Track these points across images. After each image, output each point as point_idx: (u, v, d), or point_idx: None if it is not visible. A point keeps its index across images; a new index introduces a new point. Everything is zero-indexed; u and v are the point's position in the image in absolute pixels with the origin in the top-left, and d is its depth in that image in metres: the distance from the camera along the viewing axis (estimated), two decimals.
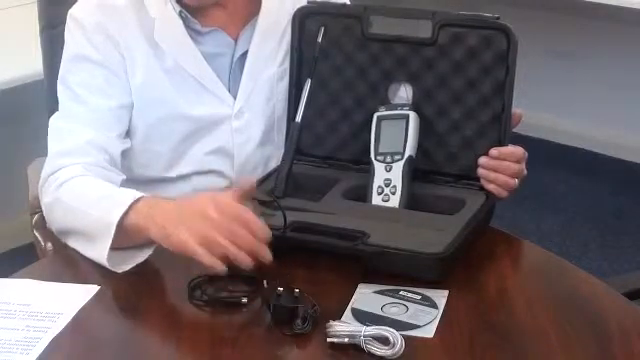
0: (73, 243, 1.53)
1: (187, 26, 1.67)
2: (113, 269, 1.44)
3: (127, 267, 1.44)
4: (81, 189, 1.56)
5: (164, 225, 1.40)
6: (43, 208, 1.60)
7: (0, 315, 1.34)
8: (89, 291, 1.40)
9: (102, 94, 1.65)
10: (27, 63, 2.42)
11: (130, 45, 1.65)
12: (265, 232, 1.37)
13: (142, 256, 1.45)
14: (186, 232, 1.37)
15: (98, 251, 1.45)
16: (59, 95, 1.68)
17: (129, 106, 1.67)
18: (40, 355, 1.26)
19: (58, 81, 1.69)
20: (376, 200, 1.59)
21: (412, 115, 1.60)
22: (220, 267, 1.35)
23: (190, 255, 1.36)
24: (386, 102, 1.65)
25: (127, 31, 1.65)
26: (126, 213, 1.44)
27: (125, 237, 1.44)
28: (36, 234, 1.77)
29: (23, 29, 2.36)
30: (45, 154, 1.99)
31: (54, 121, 1.67)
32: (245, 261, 1.34)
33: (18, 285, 1.42)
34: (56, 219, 1.57)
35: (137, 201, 1.46)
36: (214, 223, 1.36)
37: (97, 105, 1.65)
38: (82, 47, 1.66)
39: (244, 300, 1.36)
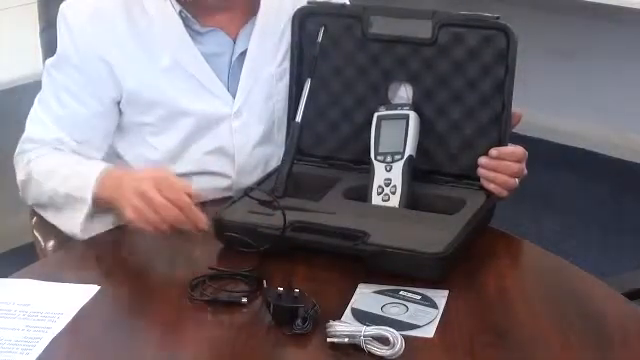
0: (47, 216, 1.68)
1: (186, 26, 1.67)
2: (85, 237, 1.60)
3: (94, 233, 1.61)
4: (48, 166, 1.67)
5: (116, 200, 1.54)
6: (18, 184, 1.72)
7: (0, 315, 1.34)
8: (89, 291, 1.40)
9: (77, 100, 1.68)
10: (27, 63, 2.41)
11: (118, 51, 1.65)
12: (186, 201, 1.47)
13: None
14: (129, 209, 1.50)
15: (69, 224, 1.62)
16: (43, 80, 1.73)
17: (106, 113, 1.69)
18: (40, 355, 1.26)
19: (45, 66, 1.73)
20: (376, 200, 1.59)
21: (412, 115, 1.60)
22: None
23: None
24: (386, 102, 1.65)
25: (115, 36, 1.65)
26: (94, 190, 1.59)
27: (96, 207, 1.60)
28: (36, 234, 1.77)
29: (23, 29, 2.36)
30: None
31: (36, 103, 1.74)
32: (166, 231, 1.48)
33: (18, 285, 1.42)
34: (30, 195, 1.70)
35: (102, 175, 1.59)
36: (150, 202, 1.48)
37: (72, 109, 1.69)
38: (66, 48, 1.68)
39: (244, 300, 1.36)
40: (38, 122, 1.72)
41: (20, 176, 1.71)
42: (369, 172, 1.61)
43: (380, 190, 1.59)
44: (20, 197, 1.73)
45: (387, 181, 1.59)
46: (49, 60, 1.72)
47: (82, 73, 1.67)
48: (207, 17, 1.68)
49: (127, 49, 1.66)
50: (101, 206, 1.60)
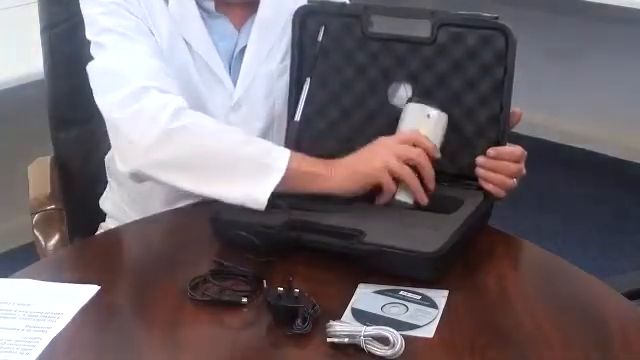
0: (192, 179, 1.51)
1: (199, 7, 1.67)
2: (260, 207, 1.49)
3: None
4: (214, 123, 1.56)
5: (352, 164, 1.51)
6: (149, 133, 1.50)
7: (0, 315, 1.34)
8: (89, 291, 1.40)
9: (149, 36, 1.62)
10: (27, 63, 2.42)
11: (151, 6, 1.64)
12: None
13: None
14: (383, 160, 1.49)
15: (250, 191, 1.48)
16: (103, 41, 1.61)
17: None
18: (40, 355, 1.26)
19: (94, 34, 1.63)
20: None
21: (436, 114, 1.59)
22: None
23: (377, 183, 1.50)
24: (385, 102, 1.65)
25: None
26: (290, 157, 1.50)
27: (285, 183, 1.49)
28: (36, 234, 1.77)
29: (23, 29, 2.37)
30: (45, 154, 2.00)
31: (104, 59, 1.60)
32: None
33: (18, 285, 1.42)
34: (184, 147, 1.51)
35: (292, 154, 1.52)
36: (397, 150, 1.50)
37: (151, 43, 1.62)
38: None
39: (244, 300, 1.36)
40: (132, 61, 1.57)
41: (165, 123, 1.49)
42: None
43: None
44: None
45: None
46: (92, 28, 1.63)
47: (136, 15, 1.63)
48: (216, 2, 1.68)
49: (158, 11, 1.64)
50: (291, 181, 1.50)
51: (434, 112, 1.57)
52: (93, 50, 1.65)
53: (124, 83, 1.55)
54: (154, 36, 1.64)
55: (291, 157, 1.51)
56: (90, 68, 1.64)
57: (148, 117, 1.51)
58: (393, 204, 1.56)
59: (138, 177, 1.57)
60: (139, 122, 1.52)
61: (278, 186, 1.49)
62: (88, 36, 1.66)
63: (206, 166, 1.51)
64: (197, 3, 1.67)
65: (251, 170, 1.50)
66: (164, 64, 1.61)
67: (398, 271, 1.41)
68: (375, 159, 1.50)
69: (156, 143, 1.50)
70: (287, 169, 1.50)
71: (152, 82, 1.55)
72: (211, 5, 1.68)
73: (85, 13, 1.67)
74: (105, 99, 1.58)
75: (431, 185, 1.52)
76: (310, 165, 1.52)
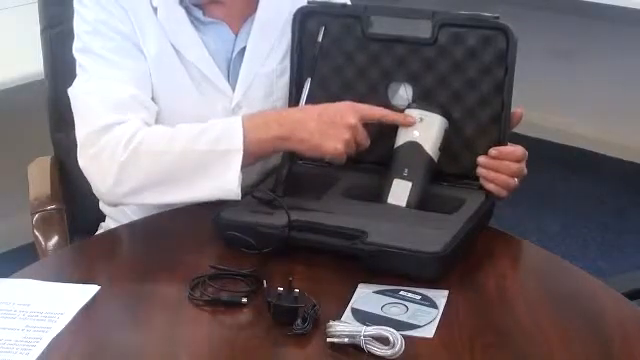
0: (165, 192, 1.56)
1: (190, 14, 1.67)
2: (238, 197, 1.53)
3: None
4: (162, 134, 1.57)
5: (310, 136, 1.53)
6: (111, 170, 1.55)
7: (0, 315, 1.34)
8: (89, 291, 1.39)
9: (131, 57, 1.64)
10: (27, 63, 2.42)
11: (139, 17, 1.64)
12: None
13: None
14: (337, 143, 1.53)
15: (218, 184, 1.53)
16: (83, 63, 1.65)
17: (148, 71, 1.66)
18: (40, 355, 1.26)
19: (78, 51, 1.66)
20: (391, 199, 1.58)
21: (438, 119, 1.60)
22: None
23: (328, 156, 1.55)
24: (386, 102, 1.65)
25: (136, 3, 1.64)
26: (244, 133, 1.53)
27: (248, 158, 1.54)
28: (36, 234, 1.77)
29: (23, 29, 2.36)
30: (45, 154, 2.00)
31: (82, 85, 1.64)
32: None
33: (18, 285, 1.42)
34: (136, 174, 1.55)
35: (243, 122, 1.55)
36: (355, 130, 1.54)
37: (130, 66, 1.63)
38: (99, 13, 1.64)
39: (244, 300, 1.36)
40: (103, 91, 1.60)
41: (119, 157, 1.54)
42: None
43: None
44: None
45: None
46: (79, 43, 1.66)
47: (123, 34, 1.64)
48: (208, 9, 1.68)
49: (146, 18, 1.65)
50: (253, 153, 1.55)
51: (428, 116, 1.58)
52: (77, 68, 1.67)
53: (89, 122, 1.60)
54: (141, 52, 1.64)
55: (245, 130, 1.54)
56: (71, 92, 1.67)
57: (105, 158, 1.56)
58: (386, 206, 1.56)
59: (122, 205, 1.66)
60: (97, 167, 1.58)
61: (245, 164, 1.53)
62: (73, 50, 1.68)
63: (170, 178, 1.55)
64: (187, 12, 1.67)
65: (213, 163, 1.54)
66: (140, 90, 1.62)
67: (401, 271, 1.41)
68: (329, 141, 1.53)
69: (116, 180, 1.56)
70: (245, 143, 1.53)
71: (116, 116, 1.58)
72: (200, 13, 1.68)
73: (74, 24, 1.68)
74: (75, 134, 1.63)
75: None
76: (266, 131, 1.55)
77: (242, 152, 1.53)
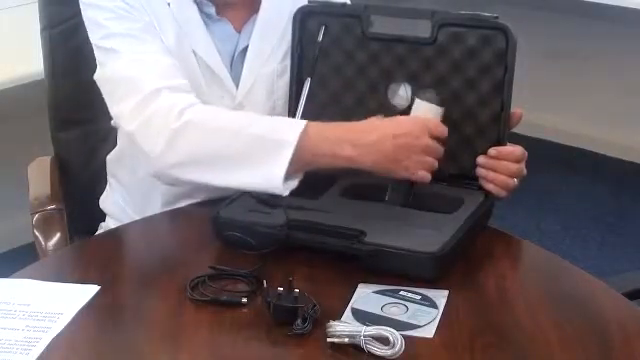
0: (210, 171, 1.51)
1: (200, 11, 1.67)
2: (282, 192, 1.47)
3: (293, 184, 1.48)
4: (218, 111, 1.56)
5: (386, 161, 1.48)
6: (161, 137, 1.51)
7: (0, 315, 1.34)
8: (89, 291, 1.40)
9: (158, 37, 1.62)
10: (27, 63, 2.42)
11: (155, 10, 1.64)
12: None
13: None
14: (419, 168, 1.49)
15: (262, 173, 1.47)
16: (113, 46, 1.60)
17: None
18: (40, 355, 1.26)
19: (102, 39, 1.62)
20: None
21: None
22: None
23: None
24: (386, 102, 1.65)
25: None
26: (304, 133, 1.47)
27: (299, 158, 1.47)
28: (36, 234, 1.77)
29: (23, 29, 2.36)
30: (45, 154, 2.00)
31: (115, 65, 1.60)
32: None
33: (18, 285, 1.42)
34: (191, 144, 1.51)
35: (308, 126, 1.49)
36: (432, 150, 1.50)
37: (161, 44, 1.62)
38: (117, 2, 1.61)
39: (244, 300, 1.36)
40: (140, 64, 1.57)
41: (171, 123, 1.50)
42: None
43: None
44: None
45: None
46: (98, 33, 1.62)
47: (143, 18, 1.62)
48: (218, 8, 1.69)
49: (160, 9, 1.64)
50: (306, 159, 1.48)
51: (419, 104, 1.56)
52: (101, 55, 1.64)
53: (135, 90, 1.56)
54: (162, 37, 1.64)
55: (305, 127, 1.48)
56: (102, 76, 1.64)
57: (157, 122, 1.52)
58: (385, 206, 1.56)
59: (163, 180, 1.59)
60: (149, 130, 1.53)
61: (295, 161, 1.47)
62: (94, 40, 1.65)
63: (218, 156, 1.51)
64: (198, 8, 1.67)
65: (262, 149, 1.48)
66: (175, 61, 1.61)
67: (399, 271, 1.41)
68: (399, 165, 1.49)
69: (167, 146, 1.51)
70: (301, 139, 1.47)
71: (163, 82, 1.56)
72: (212, 9, 1.68)
73: (88, 17, 1.66)
74: (118, 109, 1.60)
75: None
76: (336, 148, 1.48)
77: (295, 147, 1.46)
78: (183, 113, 1.51)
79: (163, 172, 1.55)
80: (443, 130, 1.52)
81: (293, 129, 1.48)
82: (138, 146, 1.55)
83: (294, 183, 1.49)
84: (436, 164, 1.51)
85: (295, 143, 1.47)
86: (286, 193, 1.48)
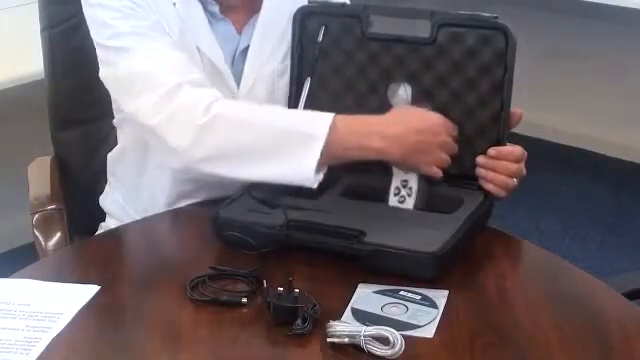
0: (239, 165, 1.51)
1: (205, 10, 1.67)
2: (313, 184, 1.49)
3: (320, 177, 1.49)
4: (245, 105, 1.58)
5: (409, 152, 1.52)
6: (188, 131, 1.51)
7: (0, 315, 1.34)
8: (89, 291, 1.40)
9: (167, 35, 1.62)
10: (27, 63, 2.42)
11: (161, 8, 1.63)
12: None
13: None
14: (435, 164, 1.54)
15: (294, 166, 1.48)
16: (123, 44, 1.59)
17: None
18: (40, 355, 1.26)
19: (110, 38, 1.61)
20: (392, 201, 1.58)
21: None
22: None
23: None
24: (385, 102, 1.65)
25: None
26: (333, 125, 1.49)
27: (328, 151, 1.48)
28: (36, 234, 1.77)
29: (23, 29, 2.36)
30: (45, 154, 2.00)
31: (126, 63, 1.58)
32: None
33: (18, 285, 1.42)
34: (220, 138, 1.51)
35: (336, 119, 1.51)
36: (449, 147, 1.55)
37: (170, 41, 1.61)
38: (123, 1, 1.60)
39: (244, 300, 1.36)
40: (155, 60, 1.56)
41: (198, 119, 1.50)
42: (387, 173, 1.60)
43: (397, 191, 1.59)
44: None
45: (404, 182, 1.59)
46: (105, 32, 1.61)
47: (151, 17, 1.62)
48: (222, 8, 1.69)
49: (165, 7, 1.64)
50: (334, 153, 1.49)
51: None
52: (110, 55, 1.62)
53: (155, 85, 1.56)
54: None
55: (334, 119, 1.50)
56: (112, 75, 1.63)
57: (182, 117, 1.52)
58: (384, 206, 1.57)
59: (189, 174, 1.59)
60: (174, 125, 1.53)
61: (325, 155, 1.48)
62: (99, 40, 1.63)
63: (246, 150, 1.51)
64: (203, 7, 1.67)
65: (291, 144, 1.49)
66: (186, 55, 1.61)
67: (398, 271, 1.41)
68: (419, 159, 1.54)
69: (194, 141, 1.51)
70: (331, 133, 1.48)
71: (183, 77, 1.56)
72: (216, 8, 1.68)
73: (92, 16, 1.65)
74: (137, 105, 1.58)
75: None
76: (365, 141, 1.51)
77: (325, 140, 1.48)
78: (210, 107, 1.52)
79: (191, 166, 1.55)
80: (455, 130, 1.57)
81: (322, 122, 1.50)
82: (162, 140, 1.55)
83: (321, 176, 1.50)
84: (449, 161, 1.55)
85: (325, 136, 1.48)
86: (315, 185, 1.49)
